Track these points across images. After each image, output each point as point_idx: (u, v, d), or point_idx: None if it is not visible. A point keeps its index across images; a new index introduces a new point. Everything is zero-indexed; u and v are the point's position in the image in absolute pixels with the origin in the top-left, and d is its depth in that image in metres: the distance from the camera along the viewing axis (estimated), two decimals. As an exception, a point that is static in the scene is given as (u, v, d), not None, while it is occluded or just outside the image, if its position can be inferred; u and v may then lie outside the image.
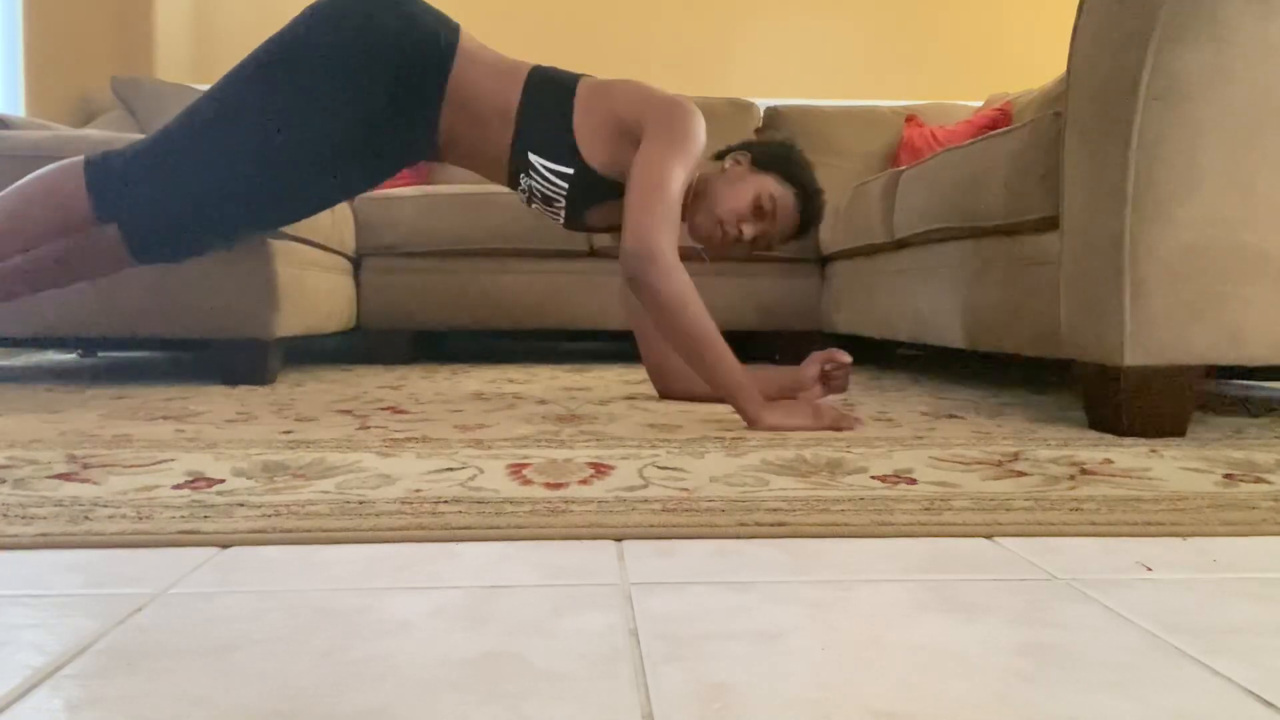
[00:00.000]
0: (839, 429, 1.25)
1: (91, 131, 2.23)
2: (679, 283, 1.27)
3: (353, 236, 2.54)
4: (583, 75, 1.46)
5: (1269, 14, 1.15)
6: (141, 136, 1.47)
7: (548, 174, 1.43)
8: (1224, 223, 1.17)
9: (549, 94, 1.42)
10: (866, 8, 4.00)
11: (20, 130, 1.98)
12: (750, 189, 1.49)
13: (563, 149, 1.41)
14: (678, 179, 1.32)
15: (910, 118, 3.48)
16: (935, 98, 3.76)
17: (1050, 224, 1.38)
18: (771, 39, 3.99)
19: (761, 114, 3.59)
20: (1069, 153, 1.29)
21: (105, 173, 1.33)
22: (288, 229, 1.93)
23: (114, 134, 1.95)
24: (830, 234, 2.56)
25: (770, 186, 1.49)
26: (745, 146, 1.57)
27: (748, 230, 1.49)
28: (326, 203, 1.50)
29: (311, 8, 1.37)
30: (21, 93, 2.80)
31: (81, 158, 1.35)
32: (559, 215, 1.51)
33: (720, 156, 1.57)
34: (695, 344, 1.28)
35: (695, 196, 1.50)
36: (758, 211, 1.49)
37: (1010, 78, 3.73)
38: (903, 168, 2.04)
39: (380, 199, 2.61)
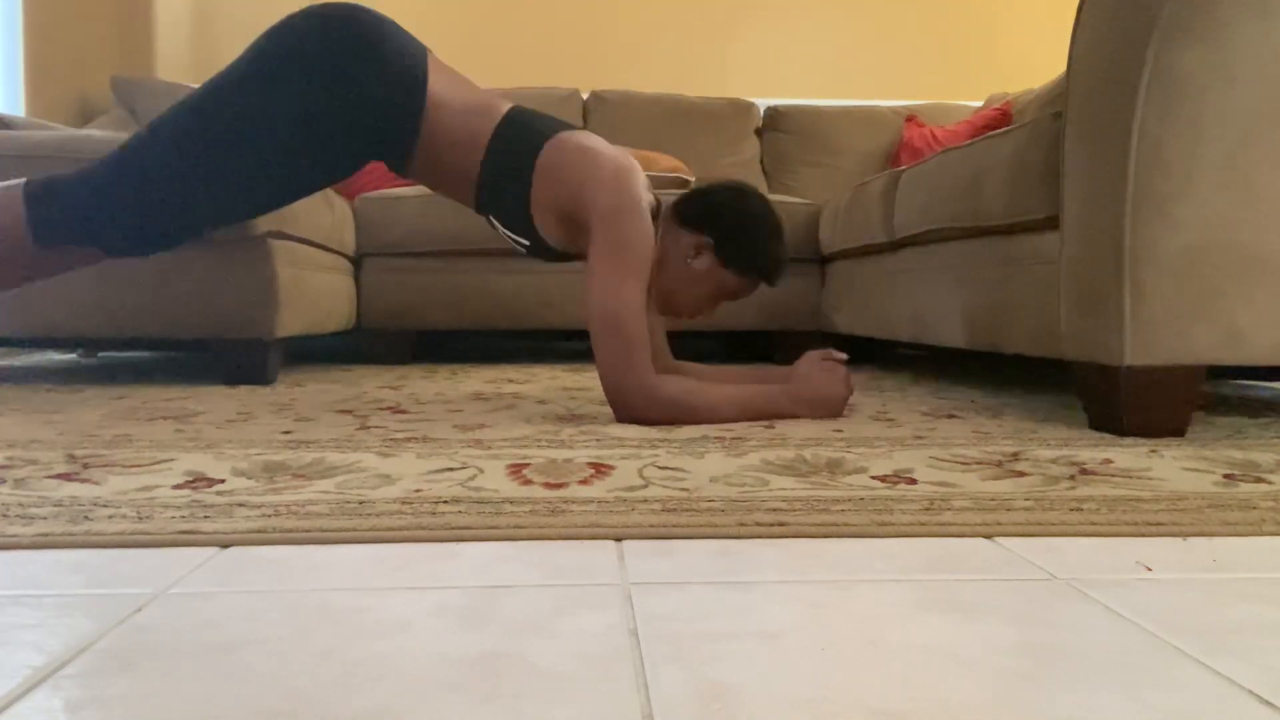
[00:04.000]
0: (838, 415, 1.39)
1: (92, 131, 2.23)
2: (663, 405, 1.30)
3: (353, 236, 2.54)
4: (550, 135, 1.40)
5: (1269, 14, 1.15)
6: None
7: (508, 235, 1.48)
8: (1224, 223, 1.17)
9: (510, 166, 1.39)
10: (866, 8, 4.00)
11: (20, 130, 1.98)
12: (713, 286, 1.47)
13: (520, 222, 1.43)
14: (637, 300, 1.31)
15: (910, 118, 3.48)
16: (935, 98, 3.76)
17: (1050, 224, 1.38)
18: (771, 39, 3.99)
19: (761, 114, 3.59)
20: (1069, 153, 1.29)
21: (51, 208, 1.28)
22: (287, 229, 1.93)
23: (114, 134, 1.95)
24: (830, 234, 2.56)
25: (733, 284, 1.47)
26: (708, 222, 1.45)
27: (707, 313, 1.53)
28: (294, 200, 1.49)
29: (278, 37, 1.30)
30: (21, 93, 2.80)
31: (20, 186, 1.29)
32: (521, 253, 1.55)
33: (685, 221, 1.46)
34: (705, 421, 1.32)
35: (657, 266, 1.44)
36: (718, 301, 1.51)
37: (1010, 78, 3.74)
38: (903, 168, 2.04)
39: (380, 199, 2.61)
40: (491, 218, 1.47)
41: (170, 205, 1.32)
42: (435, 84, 1.37)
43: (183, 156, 1.29)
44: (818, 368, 1.41)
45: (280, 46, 1.30)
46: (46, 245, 1.31)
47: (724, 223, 1.45)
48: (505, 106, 1.42)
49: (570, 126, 1.46)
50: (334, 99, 1.30)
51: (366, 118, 1.33)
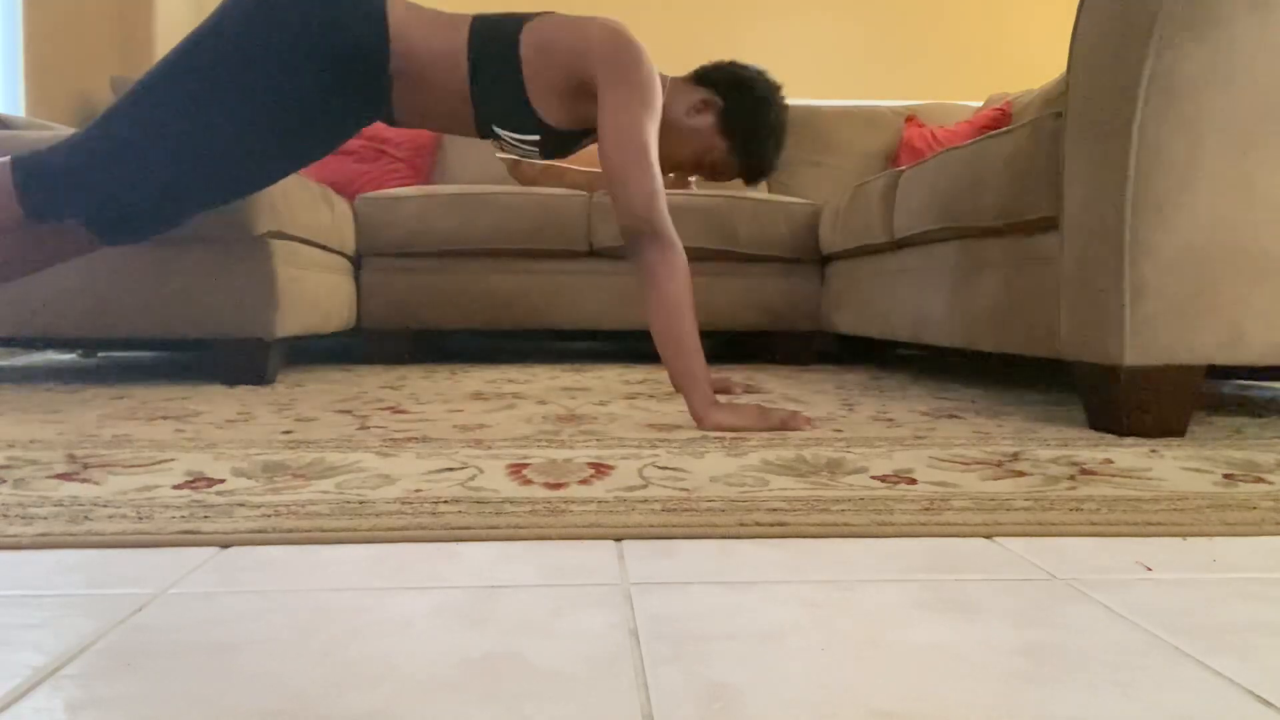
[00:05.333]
0: (789, 429, 1.25)
1: (91, 131, 2.23)
2: (673, 262, 1.29)
3: (353, 236, 2.54)
4: (523, 22, 1.40)
5: (1269, 14, 1.15)
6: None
7: (516, 141, 1.45)
8: (1224, 223, 1.17)
9: (495, 60, 1.38)
10: (866, 8, 4.00)
11: (20, 130, 1.98)
12: (697, 149, 1.47)
13: (524, 118, 1.41)
14: (652, 137, 1.31)
15: (910, 118, 3.48)
16: (935, 98, 3.76)
17: (1050, 224, 1.38)
18: (772, 39, 3.99)
19: (761, 114, 3.59)
20: (1069, 153, 1.29)
21: (40, 174, 1.29)
22: (287, 229, 1.93)
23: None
24: (830, 234, 2.56)
25: (717, 155, 1.47)
26: (728, 85, 1.47)
27: (678, 176, 1.52)
28: (285, 174, 1.49)
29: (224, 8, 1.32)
30: (21, 93, 2.79)
31: (8, 159, 1.30)
32: (537, 159, 1.53)
33: (702, 80, 1.49)
34: (671, 326, 1.28)
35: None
36: (694, 166, 1.50)
37: (1010, 78, 3.74)
38: (903, 168, 2.04)
39: (380, 199, 2.61)
40: (495, 128, 1.44)
41: (154, 175, 1.32)
42: (395, 14, 1.37)
43: (163, 123, 1.30)
44: (750, 407, 1.29)
45: (243, 5, 1.31)
46: (36, 214, 1.31)
47: (742, 96, 1.45)
48: (468, 17, 1.42)
49: (534, 12, 1.44)
50: (300, 48, 1.30)
51: (336, 61, 1.33)
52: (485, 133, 1.46)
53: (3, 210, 1.31)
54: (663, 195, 1.31)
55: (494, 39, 1.39)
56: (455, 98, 1.41)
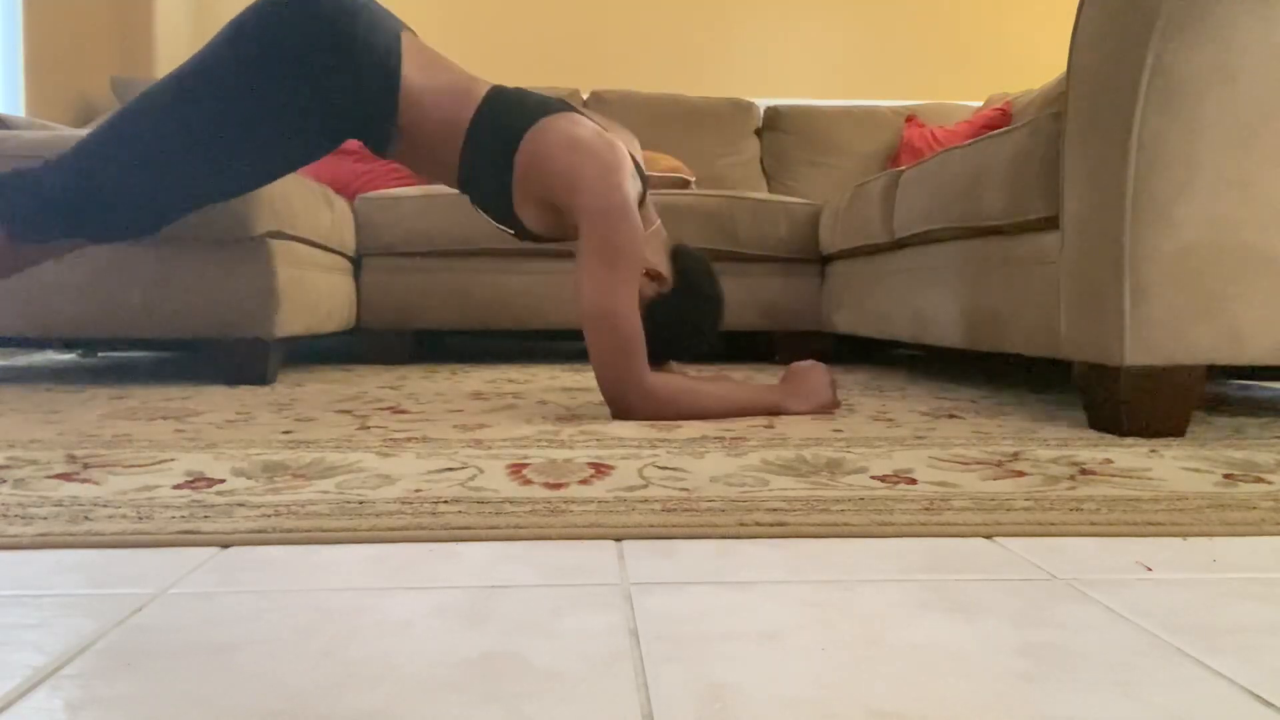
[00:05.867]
0: (824, 413, 1.43)
1: (91, 131, 2.23)
2: (660, 403, 1.33)
3: (353, 236, 2.54)
4: (531, 123, 1.37)
5: (1269, 14, 1.15)
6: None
7: (494, 223, 1.49)
8: (1224, 223, 1.17)
9: (490, 153, 1.38)
10: (866, 8, 4.00)
11: (20, 130, 1.98)
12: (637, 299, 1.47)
13: (504, 212, 1.43)
14: (630, 301, 1.31)
15: (910, 118, 3.48)
16: (935, 98, 3.77)
17: (1050, 224, 1.38)
18: (771, 39, 3.99)
19: (761, 114, 3.59)
20: (1069, 153, 1.29)
21: (23, 198, 1.28)
22: (286, 229, 1.93)
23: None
24: (830, 234, 2.56)
25: (642, 313, 1.45)
26: (683, 276, 1.49)
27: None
28: (268, 181, 1.48)
29: (241, 31, 1.28)
30: (21, 93, 2.79)
31: None
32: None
33: (680, 257, 1.50)
34: (701, 416, 1.36)
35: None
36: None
37: (1010, 78, 3.74)
38: (903, 168, 2.04)
39: (380, 199, 2.61)
40: (475, 205, 1.48)
41: (139, 192, 1.32)
42: (410, 72, 1.34)
43: (155, 141, 1.29)
44: (809, 368, 1.47)
45: (257, 30, 1.28)
46: (24, 240, 1.32)
47: (689, 303, 1.48)
48: (483, 89, 1.39)
49: (550, 107, 1.40)
50: (307, 90, 1.30)
51: (340, 110, 1.33)
52: (468, 197, 1.49)
53: None
54: (640, 356, 1.32)
55: (496, 134, 1.37)
56: (444, 166, 1.42)
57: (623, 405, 1.34)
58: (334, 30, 1.28)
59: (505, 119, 1.37)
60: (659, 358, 1.48)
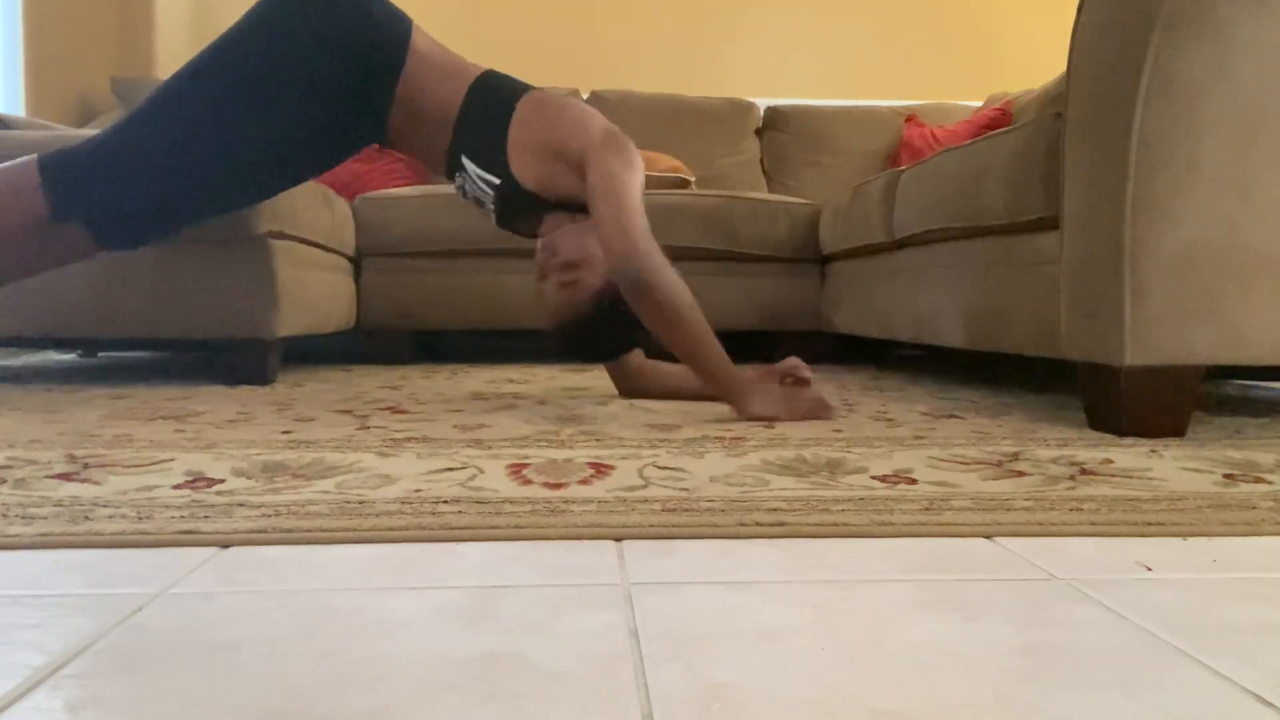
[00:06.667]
0: (813, 418, 1.36)
1: (92, 131, 2.23)
2: (670, 279, 1.31)
3: (353, 236, 2.54)
4: (531, 90, 1.46)
5: (1269, 14, 1.15)
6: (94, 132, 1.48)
7: (477, 179, 1.48)
8: (1224, 222, 1.17)
9: (490, 103, 1.44)
10: (866, 8, 4.00)
11: (20, 130, 1.98)
12: (584, 267, 1.45)
13: (494, 160, 1.44)
14: (638, 197, 1.35)
15: (910, 118, 3.48)
16: (935, 98, 3.77)
17: (1050, 224, 1.38)
18: (771, 39, 3.99)
19: (761, 114, 3.59)
20: (1069, 153, 1.29)
21: (63, 171, 1.33)
22: (287, 229, 1.93)
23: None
24: (830, 234, 2.56)
25: (579, 293, 1.45)
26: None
27: (551, 216, 1.50)
28: (281, 189, 1.55)
29: (267, 2, 1.39)
30: (21, 93, 2.80)
31: (34, 158, 1.35)
32: (491, 215, 1.54)
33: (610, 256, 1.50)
34: (689, 337, 1.33)
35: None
36: (565, 263, 1.45)
37: (1010, 78, 3.74)
38: (903, 168, 2.04)
39: (380, 199, 2.61)
40: (463, 157, 1.47)
41: (168, 182, 1.37)
42: (418, 41, 1.45)
43: (186, 130, 1.36)
44: (781, 390, 1.39)
45: (278, 14, 1.38)
46: (59, 212, 1.34)
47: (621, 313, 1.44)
48: (481, 68, 1.48)
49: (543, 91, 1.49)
50: (323, 46, 1.37)
51: (356, 56, 1.39)
52: (453, 164, 1.49)
53: (26, 208, 1.32)
54: (649, 233, 1.34)
55: (495, 93, 1.45)
56: (440, 121, 1.45)
57: (632, 266, 1.29)
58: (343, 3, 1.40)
59: (510, 81, 1.47)
60: (624, 349, 1.51)
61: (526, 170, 1.42)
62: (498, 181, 1.45)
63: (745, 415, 1.35)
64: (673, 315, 1.32)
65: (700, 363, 1.36)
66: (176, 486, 0.87)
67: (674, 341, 1.34)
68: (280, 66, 1.36)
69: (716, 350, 1.35)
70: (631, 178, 1.36)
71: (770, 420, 1.33)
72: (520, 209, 1.48)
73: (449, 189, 2.69)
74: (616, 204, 1.32)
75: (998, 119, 3.15)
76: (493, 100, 1.44)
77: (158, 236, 1.48)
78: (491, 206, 1.50)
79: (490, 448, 1.10)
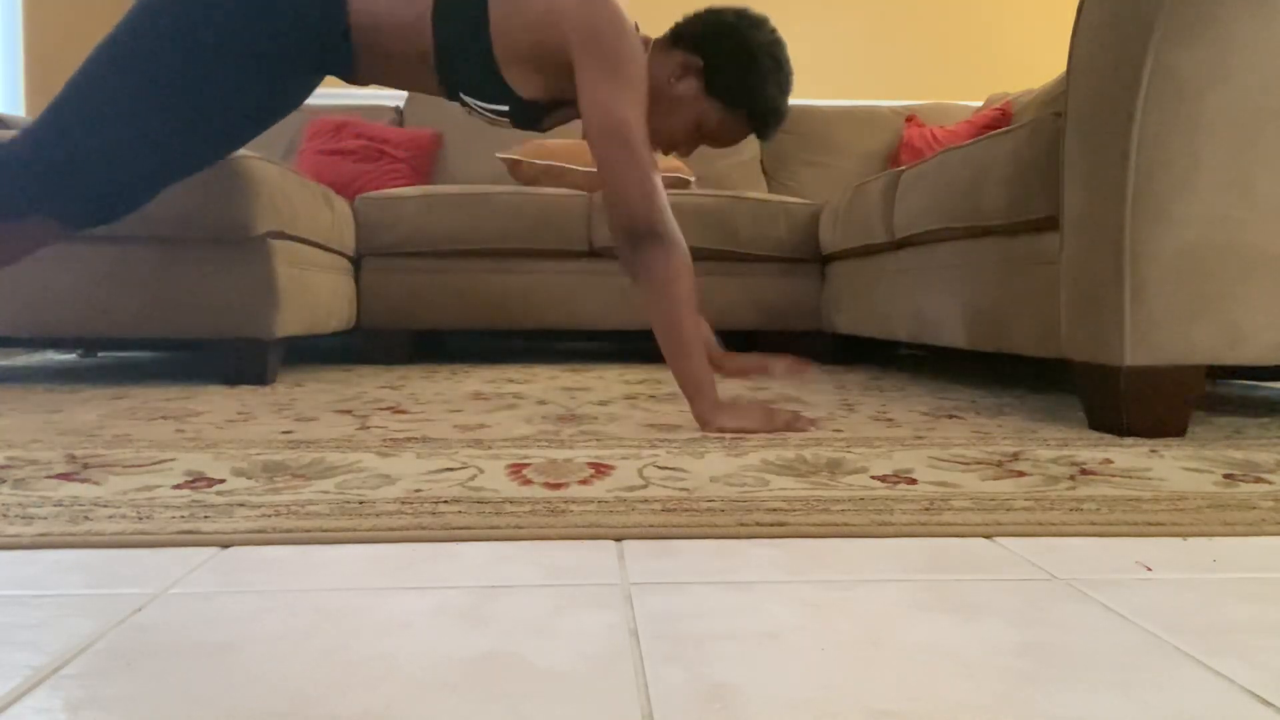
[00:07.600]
0: (792, 430, 1.24)
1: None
2: (677, 265, 1.24)
3: (353, 236, 2.54)
4: None
5: (1269, 14, 1.15)
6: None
7: (485, 111, 1.38)
8: (1224, 222, 1.17)
9: (462, 28, 1.29)
10: (866, 8, 4.00)
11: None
12: (693, 117, 1.35)
13: (495, 89, 1.33)
14: (638, 120, 1.23)
15: (910, 118, 3.48)
16: (935, 98, 3.76)
17: (1050, 224, 1.38)
18: (771, 39, 3.99)
19: (761, 114, 3.59)
20: (1069, 153, 1.29)
21: (7, 172, 1.23)
22: (287, 229, 1.93)
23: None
24: (830, 234, 2.56)
25: (715, 119, 1.34)
26: (704, 39, 1.33)
27: (684, 150, 1.41)
28: (249, 135, 1.38)
29: None
30: (21, 93, 2.80)
31: None
32: (508, 128, 1.45)
33: (678, 39, 1.35)
34: (673, 328, 1.24)
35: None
36: (696, 137, 1.39)
37: (1010, 78, 3.74)
38: (903, 168, 2.04)
39: (380, 199, 2.61)
40: (463, 95, 1.37)
41: (115, 164, 1.26)
42: None
43: (111, 96, 1.22)
44: (758, 405, 1.31)
45: None
46: (17, 214, 1.25)
47: (720, 45, 1.31)
48: None
49: None
50: (253, 23, 1.22)
51: (288, 33, 1.24)
52: (452, 97, 1.38)
53: None
54: (659, 188, 1.25)
55: (461, 4, 1.29)
56: (418, 60, 1.32)
57: (642, 240, 1.23)
58: None
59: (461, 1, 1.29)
60: (769, 123, 1.36)
61: (528, 85, 1.32)
62: (506, 108, 1.36)
63: (710, 429, 1.24)
64: (660, 300, 1.23)
65: (673, 358, 1.26)
66: (176, 486, 0.87)
67: (655, 323, 1.25)
68: (209, 47, 1.21)
69: (691, 352, 1.24)
70: (629, 103, 1.22)
71: (738, 433, 1.22)
72: (537, 117, 1.40)
73: (449, 189, 2.69)
74: (620, 159, 1.22)
75: (998, 119, 3.15)
76: (464, 23, 1.28)
77: (130, 209, 1.37)
78: (508, 123, 1.41)
79: (490, 448, 1.10)
